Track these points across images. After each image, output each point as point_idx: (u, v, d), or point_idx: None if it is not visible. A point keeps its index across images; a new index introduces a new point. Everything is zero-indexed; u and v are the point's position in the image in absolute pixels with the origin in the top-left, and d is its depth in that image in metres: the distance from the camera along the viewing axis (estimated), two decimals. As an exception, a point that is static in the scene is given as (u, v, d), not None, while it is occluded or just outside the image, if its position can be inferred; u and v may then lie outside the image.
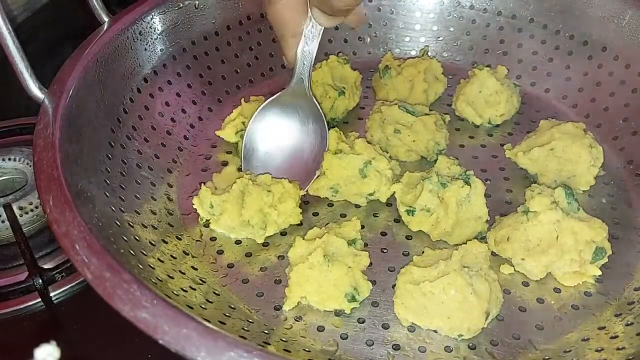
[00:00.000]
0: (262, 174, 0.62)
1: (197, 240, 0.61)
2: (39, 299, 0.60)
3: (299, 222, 0.62)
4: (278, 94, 0.64)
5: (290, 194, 0.61)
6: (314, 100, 0.63)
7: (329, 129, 0.66)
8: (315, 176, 0.64)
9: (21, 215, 0.68)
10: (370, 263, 0.58)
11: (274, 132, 0.64)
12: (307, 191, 0.64)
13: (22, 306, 0.61)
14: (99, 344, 0.57)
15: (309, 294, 0.54)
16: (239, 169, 0.65)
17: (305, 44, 0.58)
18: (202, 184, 0.62)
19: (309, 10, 0.55)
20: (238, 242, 0.61)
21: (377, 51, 0.85)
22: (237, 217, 0.60)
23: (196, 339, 0.39)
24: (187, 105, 0.73)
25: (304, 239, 0.57)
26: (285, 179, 0.62)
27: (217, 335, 0.39)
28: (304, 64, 0.60)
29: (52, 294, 0.61)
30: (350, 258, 0.56)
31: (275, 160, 0.65)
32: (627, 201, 0.65)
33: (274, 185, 0.61)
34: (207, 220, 0.62)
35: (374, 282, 0.57)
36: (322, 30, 0.58)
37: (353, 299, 0.54)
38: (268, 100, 0.64)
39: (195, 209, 0.62)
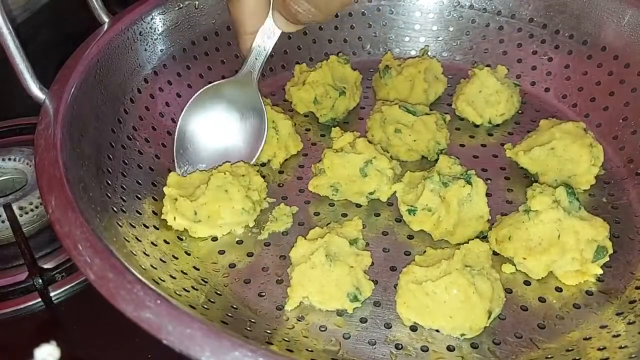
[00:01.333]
0: (219, 166, 0.63)
1: (198, 241, 0.61)
2: (39, 299, 0.60)
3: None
4: (219, 81, 0.63)
5: (251, 171, 0.63)
6: (259, 94, 0.63)
7: (330, 129, 0.66)
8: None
9: (21, 215, 0.68)
10: (372, 263, 0.58)
11: (209, 121, 0.64)
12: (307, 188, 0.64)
13: (22, 306, 0.60)
14: (99, 344, 0.57)
15: (311, 293, 0.54)
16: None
17: (261, 39, 0.58)
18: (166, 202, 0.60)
19: (271, 11, 0.56)
20: (239, 242, 0.61)
21: (377, 51, 0.85)
22: (229, 211, 0.60)
23: (200, 338, 0.39)
24: (188, 106, 0.73)
25: (305, 238, 0.57)
26: (234, 162, 0.63)
27: (222, 335, 0.39)
28: (255, 59, 0.60)
29: (52, 294, 0.61)
30: (352, 258, 0.56)
31: (207, 152, 0.64)
32: (628, 200, 0.65)
33: (237, 169, 0.62)
34: (185, 230, 0.61)
35: (375, 282, 0.57)
36: (280, 32, 0.58)
37: (355, 299, 0.54)
38: (207, 86, 0.63)
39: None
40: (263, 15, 0.56)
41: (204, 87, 0.63)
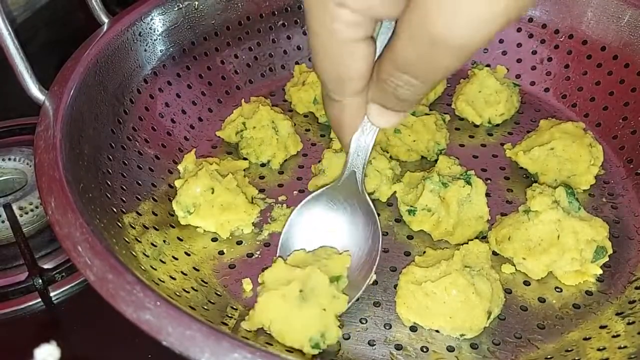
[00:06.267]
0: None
1: (198, 241, 0.61)
2: (39, 299, 0.60)
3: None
4: (326, 186, 0.56)
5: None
6: (367, 198, 0.55)
7: (329, 130, 0.66)
8: (362, 290, 0.54)
9: (21, 215, 0.68)
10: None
11: (317, 230, 0.56)
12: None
13: (22, 306, 0.60)
14: (99, 344, 0.57)
15: (273, 323, 0.50)
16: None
17: (361, 133, 0.49)
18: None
19: (367, 108, 0.45)
20: (239, 242, 0.61)
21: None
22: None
23: (200, 339, 0.39)
24: (187, 106, 0.73)
25: (285, 262, 0.54)
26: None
27: (221, 336, 0.39)
28: (357, 155, 0.52)
29: (52, 294, 0.61)
30: (327, 299, 0.51)
31: None
32: (627, 200, 0.65)
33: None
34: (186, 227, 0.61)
35: (375, 282, 0.57)
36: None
37: (316, 346, 0.50)
38: (314, 193, 0.56)
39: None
40: (362, 112, 0.45)
41: (309, 196, 0.56)
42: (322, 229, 0.56)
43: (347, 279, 0.54)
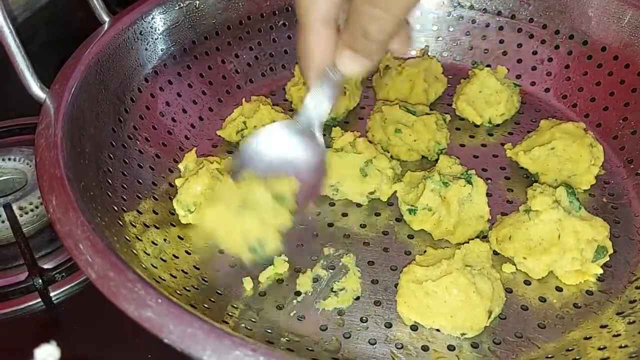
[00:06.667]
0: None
1: (199, 239, 0.61)
2: (39, 299, 0.60)
3: None
4: (284, 120, 0.56)
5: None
6: (320, 137, 0.54)
7: (330, 129, 0.67)
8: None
9: (21, 215, 0.67)
10: (373, 262, 0.58)
11: (268, 157, 0.55)
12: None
13: (22, 306, 0.60)
14: (99, 344, 0.57)
15: (217, 230, 0.51)
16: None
17: (325, 80, 0.49)
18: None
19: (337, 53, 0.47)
20: (240, 241, 0.61)
21: (377, 51, 0.85)
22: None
23: (202, 337, 0.39)
24: (188, 105, 0.73)
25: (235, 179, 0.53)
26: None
27: (223, 334, 0.39)
28: (316, 100, 0.51)
29: (52, 294, 0.61)
30: (268, 213, 0.51)
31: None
32: (628, 200, 0.65)
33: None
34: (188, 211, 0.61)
35: (376, 282, 0.57)
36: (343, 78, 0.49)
37: (253, 250, 0.51)
38: (272, 123, 0.56)
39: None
40: (328, 46, 0.47)
41: (265, 127, 0.55)
42: (274, 157, 0.55)
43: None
